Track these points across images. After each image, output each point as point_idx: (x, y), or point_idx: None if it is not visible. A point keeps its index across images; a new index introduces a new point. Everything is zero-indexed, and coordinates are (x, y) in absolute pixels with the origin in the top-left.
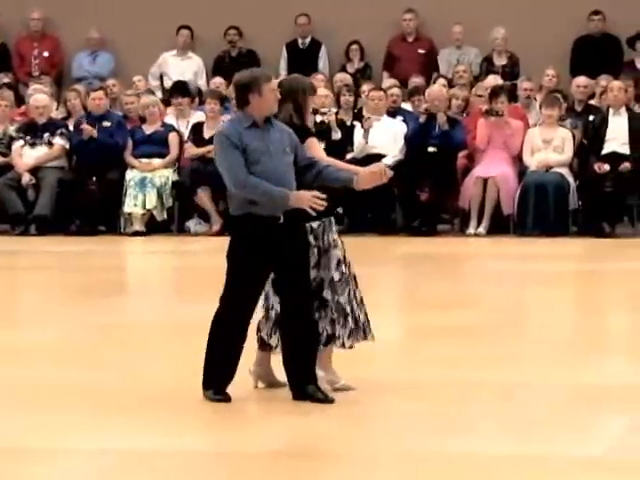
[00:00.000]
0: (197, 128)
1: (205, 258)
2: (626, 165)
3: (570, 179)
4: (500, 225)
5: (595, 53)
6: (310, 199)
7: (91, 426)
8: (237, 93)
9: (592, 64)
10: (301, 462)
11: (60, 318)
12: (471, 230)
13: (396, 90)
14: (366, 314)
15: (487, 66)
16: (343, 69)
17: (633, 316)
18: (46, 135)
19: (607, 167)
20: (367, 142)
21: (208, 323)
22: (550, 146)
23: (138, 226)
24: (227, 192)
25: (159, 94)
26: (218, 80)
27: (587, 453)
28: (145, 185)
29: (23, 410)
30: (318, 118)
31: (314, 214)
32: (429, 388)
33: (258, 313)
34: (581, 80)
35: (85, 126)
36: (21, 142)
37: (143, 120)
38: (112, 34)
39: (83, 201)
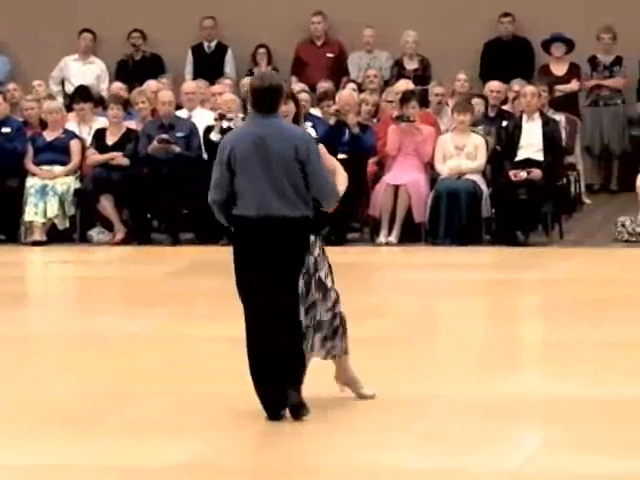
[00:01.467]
0: (99, 134)
1: (108, 268)
2: (537, 172)
3: (483, 186)
4: (411, 234)
5: (506, 56)
6: None
7: None
8: (274, 95)
9: (503, 68)
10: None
11: None
12: (382, 239)
13: (305, 95)
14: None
15: (398, 70)
16: (250, 73)
17: (547, 326)
18: None
19: (524, 174)
20: None
21: (111, 334)
22: (462, 153)
23: (38, 235)
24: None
25: (60, 99)
26: (118, 85)
27: (501, 467)
28: (46, 193)
29: None
30: (225, 124)
31: None
32: (342, 402)
33: None
34: (494, 85)
35: None
36: None
37: (44, 126)
38: (9, 37)
39: None
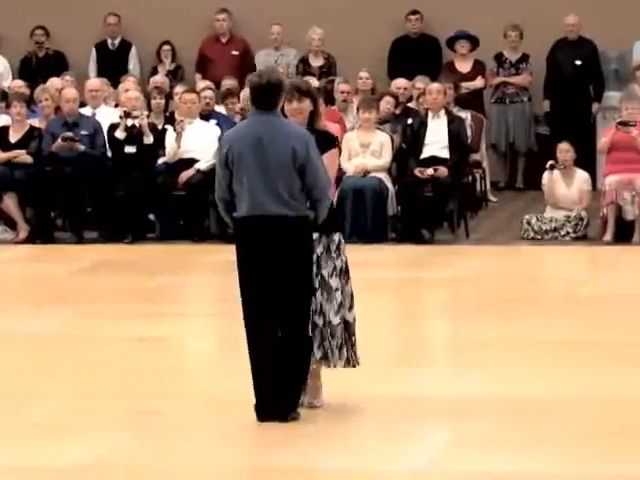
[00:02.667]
0: (2, 132)
1: (11, 266)
2: (443, 170)
3: (389, 184)
4: None
5: (413, 54)
6: None
7: None
8: (272, 92)
9: (410, 66)
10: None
11: None
12: None
13: (209, 93)
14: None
15: (303, 67)
16: (154, 71)
17: (453, 325)
18: None
19: (431, 171)
20: (180, 146)
21: (14, 333)
22: (368, 150)
23: None
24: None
25: None
26: (19, 82)
27: (409, 466)
28: None
29: None
30: (129, 122)
31: None
32: (242, 401)
33: None
34: (400, 82)
35: None
36: None
37: None
38: None
39: None
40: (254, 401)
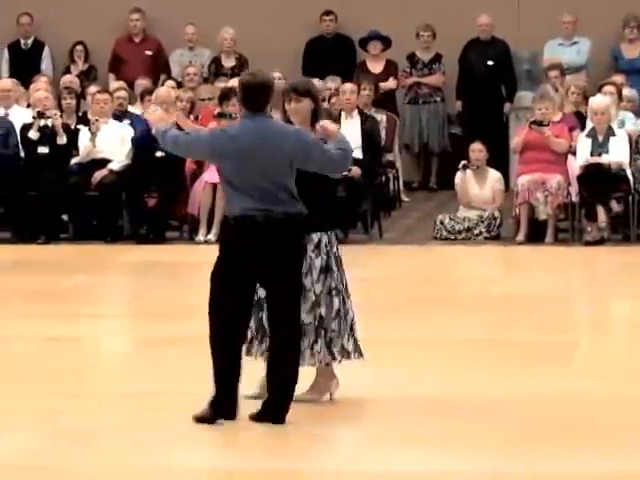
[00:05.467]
0: None
1: None
2: (356, 170)
3: None
4: None
5: (328, 55)
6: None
7: None
8: (260, 93)
9: (325, 66)
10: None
11: None
12: (201, 237)
13: (123, 93)
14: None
15: (216, 67)
16: (67, 71)
17: (366, 325)
18: None
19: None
20: (95, 146)
21: None
22: None
23: None
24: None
25: None
26: None
27: (321, 467)
28: None
29: None
30: (42, 122)
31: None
32: (155, 399)
33: None
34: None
35: None
36: None
37: None
38: None
39: None
40: (210, 396)
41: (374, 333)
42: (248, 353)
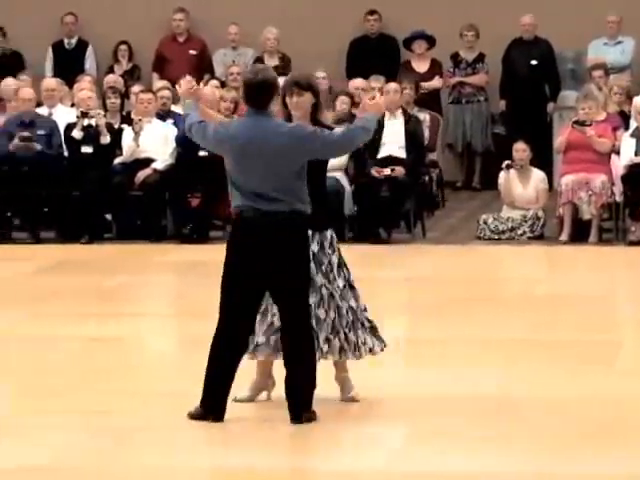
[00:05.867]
0: None
1: None
2: (400, 169)
3: (345, 184)
4: None
5: (372, 54)
6: None
7: None
8: (263, 90)
9: (368, 65)
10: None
11: None
12: None
13: (166, 92)
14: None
15: None
16: (111, 70)
17: (410, 324)
18: None
19: (388, 171)
20: (138, 145)
21: None
22: None
23: None
24: None
25: None
26: None
27: (365, 466)
28: None
29: None
30: (86, 122)
31: None
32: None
33: None
34: (357, 82)
35: None
36: None
37: None
38: None
39: None
40: (201, 396)
41: (417, 332)
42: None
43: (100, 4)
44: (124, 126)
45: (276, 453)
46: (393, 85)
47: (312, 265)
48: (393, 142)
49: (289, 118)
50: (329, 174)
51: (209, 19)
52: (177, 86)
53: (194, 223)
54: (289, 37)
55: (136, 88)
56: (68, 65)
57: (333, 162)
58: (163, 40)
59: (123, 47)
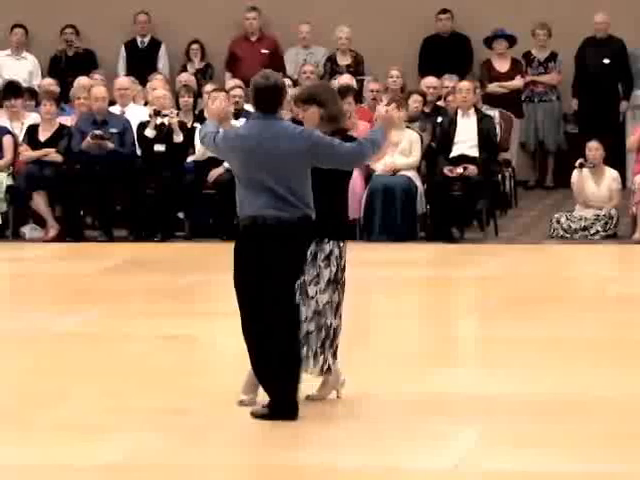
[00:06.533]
0: (32, 130)
1: (41, 265)
2: (472, 168)
3: (418, 183)
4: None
5: (444, 53)
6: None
7: None
8: (276, 95)
9: (441, 64)
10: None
11: None
12: None
13: (239, 91)
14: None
15: (331, 66)
16: (183, 69)
17: (482, 323)
18: None
19: (460, 170)
20: None
21: (43, 332)
22: (397, 149)
23: None
24: None
25: None
26: (49, 81)
27: (438, 465)
28: None
29: None
30: (159, 120)
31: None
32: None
33: None
34: (430, 81)
35: None
36: None
37: None
38: None
39: None
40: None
41: (490, 332)
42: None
43: (173, 3)
44: (197, 125)
45: (351, 451)
46: (466, 84)
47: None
48: (466, 141)
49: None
50: (402, 173)
51: (281, 18)
52: (210, 102)
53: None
54: (361, 36)
55: (208, 87)
56: (141, 64)
57: (406, 161)
58: (235, 39)
59: (195, 46)
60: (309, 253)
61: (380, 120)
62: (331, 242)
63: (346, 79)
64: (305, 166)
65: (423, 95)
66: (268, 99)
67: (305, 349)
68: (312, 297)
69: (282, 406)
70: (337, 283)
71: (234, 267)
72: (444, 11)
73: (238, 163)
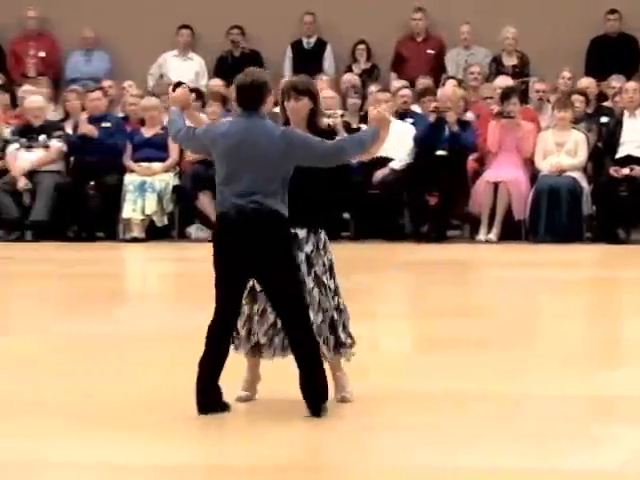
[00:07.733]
0: None
1: (207, 265)
2: (639, 169)
3: (584, 183)
4: (511, 231)
5: (612, 53)
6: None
7: (84, 439)
8: (255, 92)
9: (608, 65)
10: (303, 475)
11: (56, 326)
12: (481, 236)
13: (406, 91)
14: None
15: (496, 67)
16: (349, 70)
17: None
18: (42, 137)
19: (627, 171)
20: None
21: (202, 331)
22: (563, 149)
23: (137, 232)
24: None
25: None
26: (217, 81)
27: (601, 467)
28: (145, 190)
29: (16, 420)
30: (325, 121)
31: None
32: (434, 400)
33: None
34: (589, 81)
35: (86, 125)
36: (16, 145)
37: (143, 123)
38: (109, 33)
39: (81, 206)
40: (195, 395)
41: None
42: (236, 349)
43: (338, 3)
44: (362, 126)
45: (515, 452)
46: (632, 84)
47: (304, 268)
48: (632, 141)
49: (287, 122)
50: (568, 173)
51: (446, 19)
52: (170, 90)
53: (432, 222)
54: (527, 36)
55: (373, 88)
56: (306, 64)
57: (572, 161)
58: (401, 39)
59: (361, 46)
60: (311, 245)
61: (373, 121)
62: (323, 231)
63: (505, 80)
64: (285, 167)
65: (585, 95)
66: (249, 96)
67: (333, 337)
68: (328, 286)
69: (316, 391)
70: (333, 269)
71: (214, 260)
72: (612, 11)
73: (220, 159)
